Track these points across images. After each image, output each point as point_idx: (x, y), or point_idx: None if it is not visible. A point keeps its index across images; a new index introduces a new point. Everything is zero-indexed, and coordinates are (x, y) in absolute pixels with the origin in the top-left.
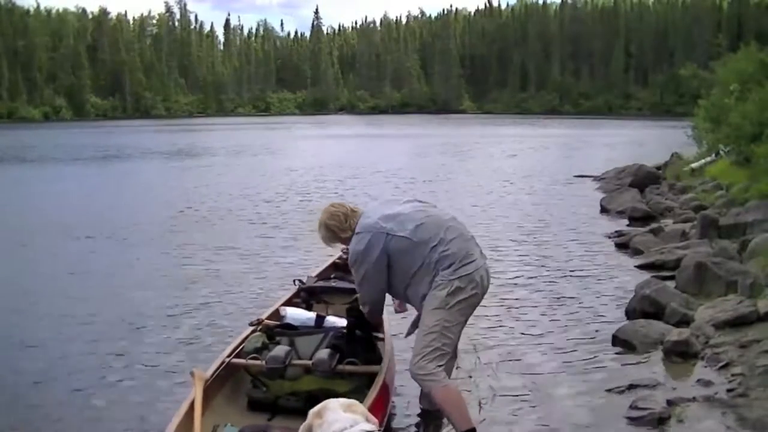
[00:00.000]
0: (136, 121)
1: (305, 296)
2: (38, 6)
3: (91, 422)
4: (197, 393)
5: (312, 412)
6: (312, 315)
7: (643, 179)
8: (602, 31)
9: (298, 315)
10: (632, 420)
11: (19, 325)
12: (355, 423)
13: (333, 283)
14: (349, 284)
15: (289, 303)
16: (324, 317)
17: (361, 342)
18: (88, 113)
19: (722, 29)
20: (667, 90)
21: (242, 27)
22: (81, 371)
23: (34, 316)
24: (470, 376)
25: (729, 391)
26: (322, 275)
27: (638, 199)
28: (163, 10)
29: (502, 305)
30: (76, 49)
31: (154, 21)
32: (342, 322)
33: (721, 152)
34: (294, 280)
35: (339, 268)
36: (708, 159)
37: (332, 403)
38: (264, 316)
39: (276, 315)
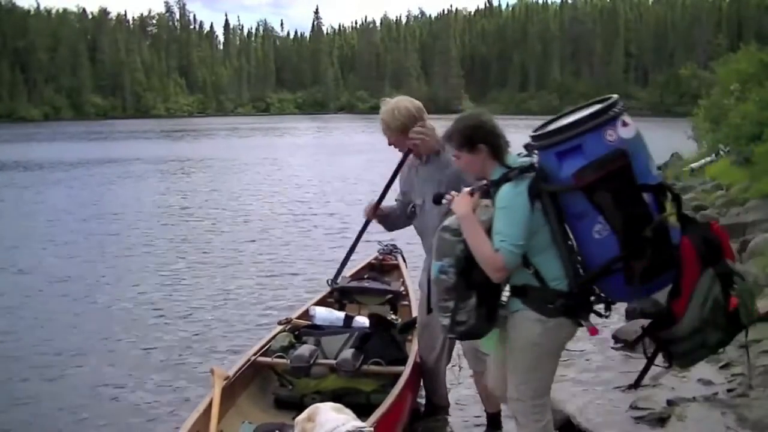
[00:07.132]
0: (137, 120)
1: (338, 296)
2: (38, 6)
3: (112, 417)
4: (216, 391)
5: (300, 418)
6: (341, 315)
7: None
8: (602, 31)
9: (326, 315)
10: (632, 420)
11: (42, 324)
12: (346, 422)
13: (366, 284)
14: (382, 285)
15: (321, 303)
16: (353, 317)
17: (386, 342)
18: (88, 113)
19: (722, 29)
20: (667, 90)
21: (242, 27)
22: (104, 367)
23: (64, 309)
24: (471, 377)
25: (729, 391)
26: (356, 276)
27: None
28: (163, 10)
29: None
30: (76, 49)
31: (154, 21)
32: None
33: (721, 152)
34: (327, 280)
35: (374, 268)
36: (708, 159)
37: (321, 406)
38: (293, 316)
39: (305, 314)
